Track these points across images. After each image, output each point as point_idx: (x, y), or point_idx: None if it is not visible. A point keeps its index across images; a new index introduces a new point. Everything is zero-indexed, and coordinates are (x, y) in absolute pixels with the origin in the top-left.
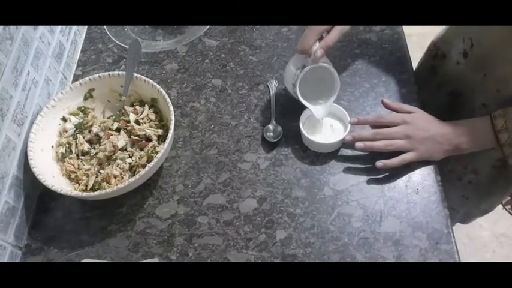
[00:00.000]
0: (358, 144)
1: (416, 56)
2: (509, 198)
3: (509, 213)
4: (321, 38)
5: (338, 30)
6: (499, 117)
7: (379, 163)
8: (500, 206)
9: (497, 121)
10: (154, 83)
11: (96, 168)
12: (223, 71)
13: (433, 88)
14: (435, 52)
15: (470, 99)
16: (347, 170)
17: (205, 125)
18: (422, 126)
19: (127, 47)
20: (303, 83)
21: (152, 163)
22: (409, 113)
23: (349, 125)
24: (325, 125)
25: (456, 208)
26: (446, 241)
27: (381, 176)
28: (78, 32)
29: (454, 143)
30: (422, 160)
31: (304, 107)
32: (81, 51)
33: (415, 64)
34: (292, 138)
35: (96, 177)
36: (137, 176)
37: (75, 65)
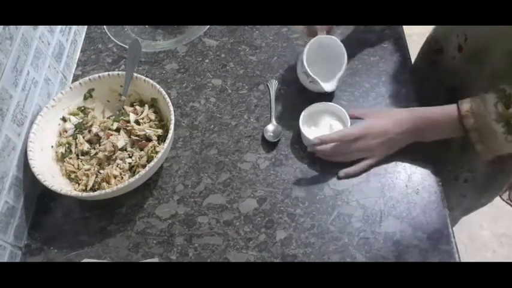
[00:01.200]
0: (318, 155)
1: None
2: (507, 191)
3: (510, 204)
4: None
5: None
6: (465, 103)
7: (341, 173)
8: (501, 203)
9: (463, 106)
10: (154, 83)
11: (96, 168)
12: (223, 71)
13: (431, 83)
14: (434, 46)
15: (466, 93)
16: (351, 175)
17: (205, 125)
18: (378, 133)
19: (127, 46)
20: (311, 63)
21: (152, 163)
22: (367, 116)
23: (348, 124)
24: (325, 124)
25: (454, 207)
26: (446, 241)
27: (381, 176)
28: (78, 32)
29: (415, 134)
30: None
31: (303, 106)
32: (81, 51)
33: None
34: (292, 138)
35: (96, 177)
36: (137, 176)
37: (75, 65)
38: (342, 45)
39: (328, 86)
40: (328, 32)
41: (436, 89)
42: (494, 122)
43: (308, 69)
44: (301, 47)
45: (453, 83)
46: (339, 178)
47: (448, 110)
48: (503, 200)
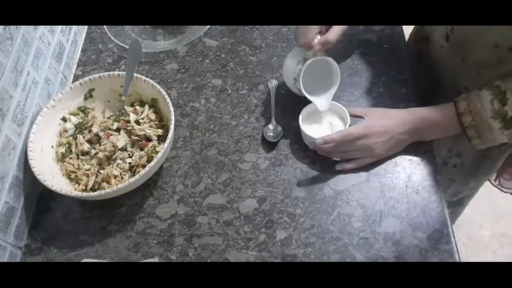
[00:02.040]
0: (319, 152)
1: None
2: (497, 177)
3: (499, 189)
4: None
5: (339, 27)
6: (462, 101)
7: (339, 167)
8: (501, 203)
9: (460, 104)
10: (154, 83)
11: (96, 168)
12: (223, 71)
13: (419, 72)
14: (421, 34)
15: (453, 82)
16: (347, 170)
17: (205, 125)
18: (379, 132)
19: (127, 47)
20: (303, 77)
21: (152, 163)
22: (365, 115)
23: (348, 122)
24: (325, 122)
25: (443, 191)
26: (446, 241)
27: (380, 176)
28: (78, 32)
29: (415, 135)
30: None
31: (303, 106)
32: (81, 51)
33: None
34: (292, 138)
35: (96, 177)
36: (137, 176)
37: (75, 65)
38: (336, 65)
39: (322, 105)
40: (325, 46)
41: (421, 77)
42: (491, 119)
43: (304, 91)
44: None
45: (439, 71)
46: (337, 170)
47: (446, 110)
48: (493, 184)
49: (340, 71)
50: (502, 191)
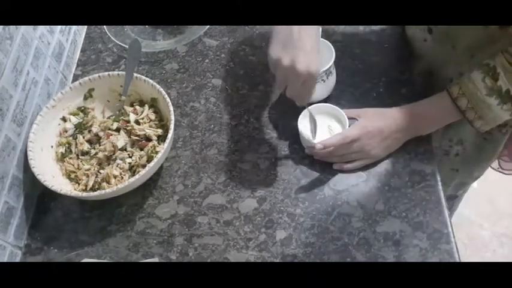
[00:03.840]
0: (316, 157)
1: None
2: (497, 160)
3: (501, 172)
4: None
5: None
6: (454, 86)
7: (336, 166)
8: (502, 203)
9: (453, 89)
10: (154, 83)
11: (96, 168)
12: (223, 71)
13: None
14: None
15: (445, 72)
16: (345, 171)
17: (205, 125)
18: (373, 133)
19: (127, 46)
20: None
21: (152, 163)
22: (358, 116)
23: (347, 125)
24: (324, 126)
25: (448, 182)
26: (446, 241)
27: (380, 176)
28: (78, 32)
29: (411, 131)
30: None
31: (303, 107)
32: (81, 51)
33: None
34: (292, 138)
35: (96, 177)
36: (137, 176)
37: (75, 65)
38: (332, 47)
39: (323, 92)
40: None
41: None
42: (487, 96)
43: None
44: None
45: (428, 64)
46: (334, 169)
47: (440, 100)
48: (494, 169)
49: (340, 73)
50: (504, 173)
